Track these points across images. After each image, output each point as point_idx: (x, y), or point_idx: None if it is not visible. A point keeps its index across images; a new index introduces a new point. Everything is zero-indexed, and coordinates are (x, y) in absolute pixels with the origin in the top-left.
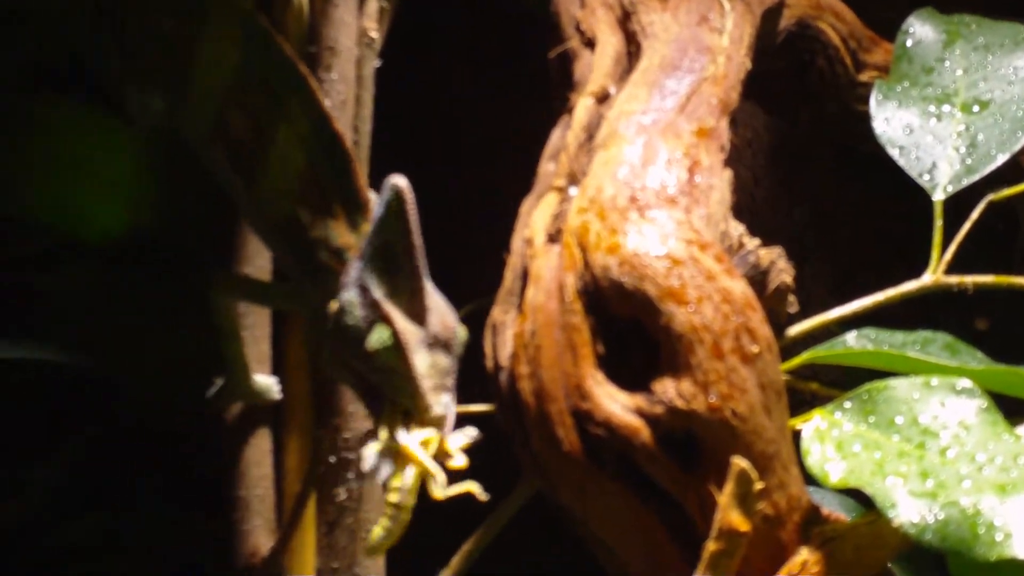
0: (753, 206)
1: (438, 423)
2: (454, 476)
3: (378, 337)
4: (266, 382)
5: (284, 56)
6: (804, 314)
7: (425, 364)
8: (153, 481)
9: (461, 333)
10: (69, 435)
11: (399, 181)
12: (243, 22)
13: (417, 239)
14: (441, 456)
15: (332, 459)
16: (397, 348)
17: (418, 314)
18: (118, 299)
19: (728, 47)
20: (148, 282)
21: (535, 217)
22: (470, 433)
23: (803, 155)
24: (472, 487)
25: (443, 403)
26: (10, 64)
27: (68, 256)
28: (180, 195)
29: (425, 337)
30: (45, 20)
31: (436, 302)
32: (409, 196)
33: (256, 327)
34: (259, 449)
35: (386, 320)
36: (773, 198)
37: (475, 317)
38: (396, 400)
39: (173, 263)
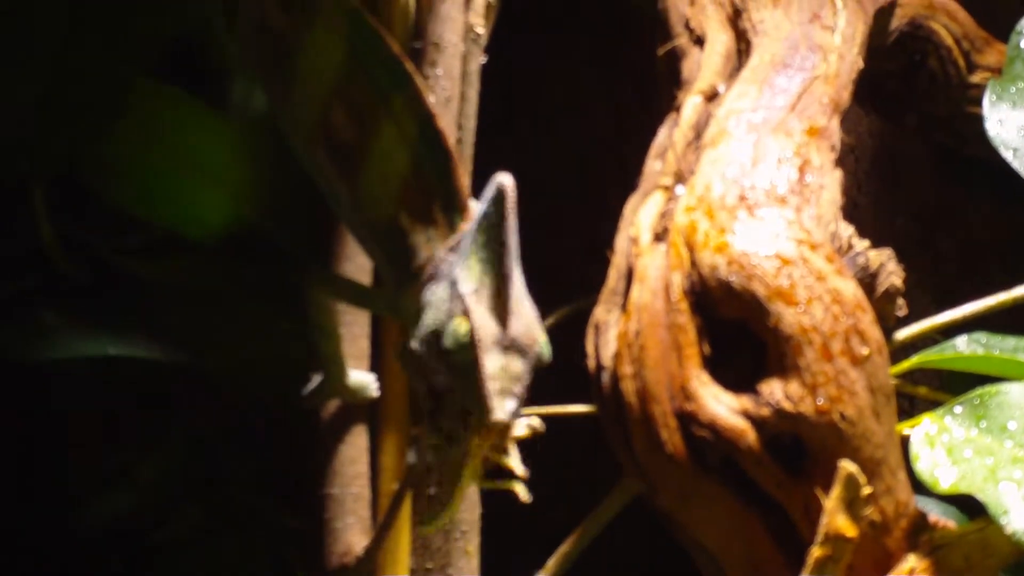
0: (855, 213)
1: (498, 428)
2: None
3: (454, 330)
4: (363, 379)
5: (391, 53)
6: (906, 323)
7: (496, 366)
8: (248, 476)
9: (543, 344)
10: (171, 429)
11: (505, 180)
12: (351, 18)
13: (513, 241)
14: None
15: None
16: (471, 344)
17: (501, 315)
18: (218, 293)
19: (840, 45)
20: (248, 277)
21: (641, 216)
22: (534, 423)
23: (906, 162)
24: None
25: (506, 409)
26: (126, 51)
27: (172, 248)
28: (282, 190)
29: (502, 339)
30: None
31: (523, 307)
32: (511, 197)
33: (355, 324)
34: (355, 447)
35: (466, 314)
36: (876, 205)
37: (575, 317)
38: (462, 401)
39: (273, 258)
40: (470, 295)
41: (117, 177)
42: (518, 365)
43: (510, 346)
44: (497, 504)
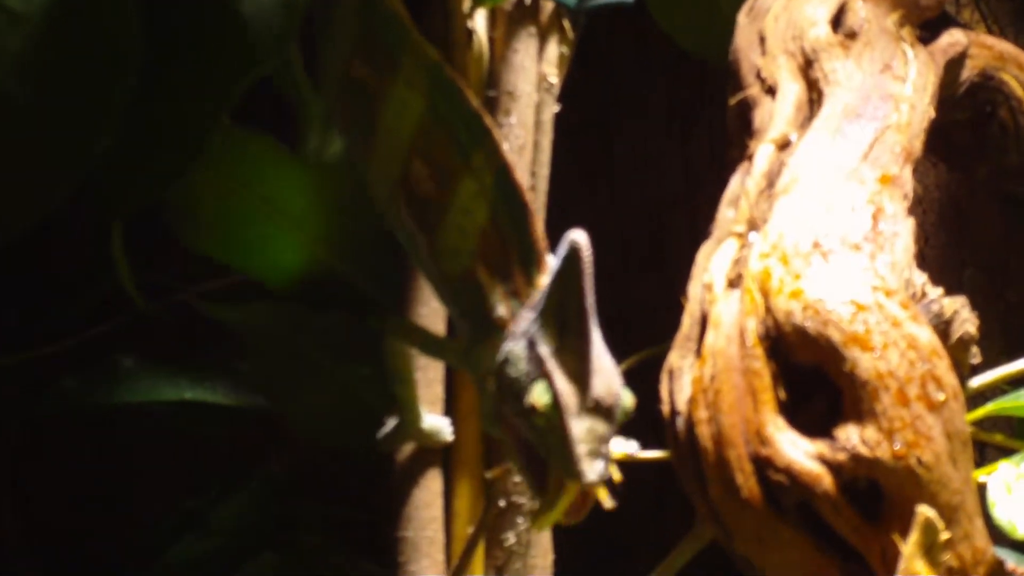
0: (923, 265)
1: (589, 489)
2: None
3: (538, 395)
4: (438, 424)
5: (470, 108)
6: (976, 374)
7: (582, 429)
8: (324, 521)
9: (626, 399)
10: (247, 474)
11: (578, 237)
12: (432, 73)
13: (590, 299)
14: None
15: (502, 503)
16: (555, 409)
17: (582, 376)
18: (296, 337)
19: (911, 96)
20: (326, 322)
21: (714, 263)
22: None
23: (974, 212)
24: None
25: (596, 470)
26: (208, 93)
27: (250, 293)
28: (361, 235)
29: (586, 401)
30: (248, 50)
31: (604, 364)
32: (586, 254)
33: (430, 369)
34: (429, 491)
35: (548, 378)
36: (944, 256)
37: (647, 363)
38: (549, 461)
39: (350, 304)
40: (550, 357)
41: (198, 221)
42: (602, 426)
43: (594, 408)
44: (570, 550)
